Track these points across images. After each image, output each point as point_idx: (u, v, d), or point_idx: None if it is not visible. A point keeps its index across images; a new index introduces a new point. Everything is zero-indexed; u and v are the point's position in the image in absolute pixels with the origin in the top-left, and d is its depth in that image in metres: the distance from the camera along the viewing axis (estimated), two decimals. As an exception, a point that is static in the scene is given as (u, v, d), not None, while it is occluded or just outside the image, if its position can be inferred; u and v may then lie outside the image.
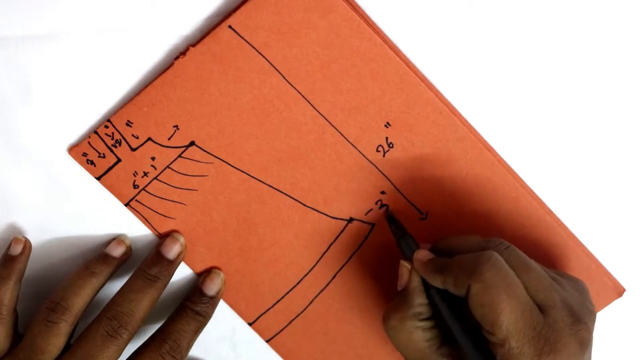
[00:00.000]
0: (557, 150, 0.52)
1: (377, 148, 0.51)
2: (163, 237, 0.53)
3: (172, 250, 0.52)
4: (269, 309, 0.55)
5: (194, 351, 0.56)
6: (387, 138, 0.51)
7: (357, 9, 0.49)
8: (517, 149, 0.52)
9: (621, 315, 0.56)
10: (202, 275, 0.54)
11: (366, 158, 0.52)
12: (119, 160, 0.51)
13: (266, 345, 0.56)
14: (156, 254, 0.52)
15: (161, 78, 0.49)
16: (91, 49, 0.49)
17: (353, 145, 0.51)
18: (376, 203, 0.53)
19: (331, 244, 0.54)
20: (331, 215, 0.53)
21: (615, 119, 0.52)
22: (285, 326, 0.56)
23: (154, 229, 0.53)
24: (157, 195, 0.52)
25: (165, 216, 0.53)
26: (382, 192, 0.52)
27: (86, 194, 0.52)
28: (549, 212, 0.53)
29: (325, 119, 0.51)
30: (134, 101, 0.50)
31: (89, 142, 0.51)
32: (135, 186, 0.52)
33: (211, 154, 0.51)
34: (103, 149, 0.51)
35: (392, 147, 0.51)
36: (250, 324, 0.56)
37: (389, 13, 0.49)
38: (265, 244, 0.54)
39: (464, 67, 0.50)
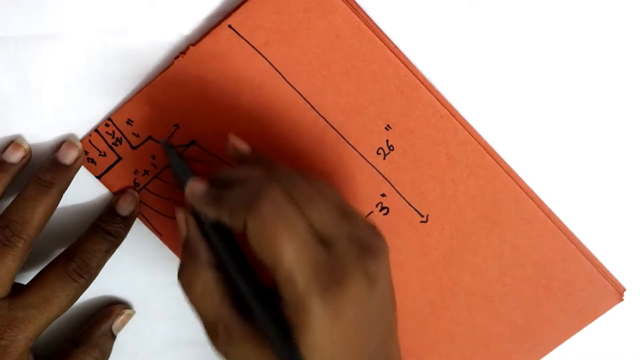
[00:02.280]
0: (559, 152, 0.52)
1: (378, 150, 0.51)
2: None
3: (68, 155, 0.49)
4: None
5: (193, 352, 0.56)
6: (387, 140, 0.51)
7: (357, 10, 0.48)
8: (518, 152, 0.52)
9: (621, 315, 0.56)
10: (116, 195, 0.52)
11: (367, 160, 0.51)
12: (119, 158, 0.51)
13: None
14: (52, 160, 0.49)
15: (161, 77, 0.49)
16: (91, 49, 0.49)
17: (353, 147, 0.51)
18: (376, 205, 0.52)
19: (331, 246, 0.54)
20: (331, 216, 0.53)
21: (615, 120, 0.52)
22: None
23: (154, 228, 0.53)
24: (157, 194, 0.52)
25: (165, 216, 0.53)
26: (383, 195, 0.52)
27: (86, 193, 0.52)
28: (551, 215, 0.53)
29: (326, 120, 0.50)
30: (135, 100, 0.50)
31: (89, 141, 0.51)
32: (135, 184, 0.52)
33: (211, 154, 0.51)
34: (104, 148, 0.51)
35: (393, 149, 0.51)
36: (249, 325, 0.56)
37: (390, 14, 0.49)
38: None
39: (464, 69, 0.50)
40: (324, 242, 0.41)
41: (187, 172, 0.46)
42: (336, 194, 0.45)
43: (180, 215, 0.45)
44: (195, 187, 0.44)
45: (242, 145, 0.47)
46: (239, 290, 0.43)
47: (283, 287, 0.40)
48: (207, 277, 0.43)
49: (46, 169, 0.49)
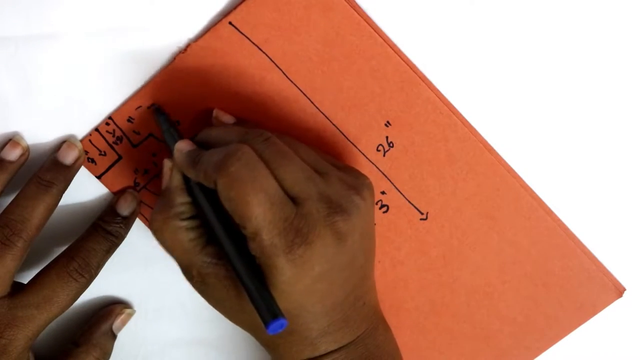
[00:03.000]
0: (558, 150, 0.52)
1: (378, 147, 0.51)
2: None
3: (68, 156, 0.50)
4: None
5: (193, 352, 0.56)
6: (387, 137, 0.51)
7: (356, 8, 0.49)
8: (518, 149, 0.52)
9: (621, 315, 0.56)
10: (117, 195, 0.52)
11: (366, 157, 0.52)
12: (120, 157, 0.51)
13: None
14: (52, 159, 0.49)
15: (162, 74, 0.49)
16: (91, 49, 0.49)
17: (353, 144, 0.51)
18: (376, 203, 0.52)
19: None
20: (331, 214, 0.53)
21: (615, 119, 0.52)
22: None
23: (154, 228, 0.53)
24: (158, 193, 0.52)
25: (165, 215, 0.53)
26: (382, 192, 0.52)
27: (86, 193, 0.52)
28: (549, 212, 0.53)
29: (325, 116, 0.51)
30: (136, 97, 0.50)
31: (90, 140, 0.51)
32: (136, 184, 0.52)
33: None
34: (104, 147, 0.51)
35: (393, 146, 0.51)
36: (250, 324, 0.56)
37: (389, 12, 0.49)
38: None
39: (464, 66, 0.50)
40: (293, 200, 0.43)
41: (174, 135, 0.48)
42: (313, 153, 0.46)
43: (167, 165, 0.47)
44: (179, 147, 0.46)
45: (225, 117, 0.50)
46: (219, 241, 0.45)
47: (251, 243, 0.42)
48: (176, 226, 0.45)
49: (46, 168, 0.49)
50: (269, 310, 0.41)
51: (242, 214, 0.41)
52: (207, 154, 0.44)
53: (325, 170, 0.45)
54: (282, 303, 0.42)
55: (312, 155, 0.46)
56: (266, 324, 0.40)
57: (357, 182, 0.46)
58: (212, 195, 0.44)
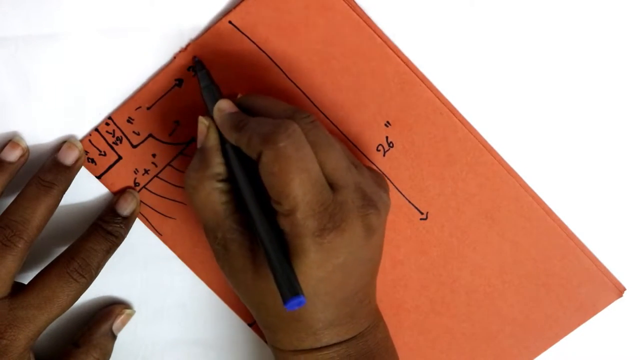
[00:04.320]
0: (558, 150, 0.52)
1: (378, 147, 0.51)
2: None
3: (69, 156, 0.49)
4: (269, 308, 0.55)
5: (193, 352, 0.56)
6: (387, 137, 0.51)
7: (356, 9, 0.49)
8: (517, 149, 0.52)
9: (621, 315, 0.56)
10: (117, 195, 0.52)
11: (366, 157, 0.52)
12: (119, 157, 0.51)
13: (266, 346, 0.56)
14: (52, 160, 0.49)
15: (162, 73, 0.50)
16: (91, 49, 0.49)
17: (353, 143, 0.51)
18: (376, 202, 0.52)
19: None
20: (331, 214, 0.53)
21: (615, 119, 0.52)
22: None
23: (154, 228, 0.53)
24: (157, 193, 0.52)
25: (165, 216, 0.53)
26: (382, 192, 0.52)
27: (86, 193, 0.52)
28: (550, 212, 0.53)
29: (326, 116, 0.51)
30: (135, 98, 0.50)
31: (89, 140, 0.51)
32: (136, 184, 0.52)
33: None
34: (104, 147, 0.51)
35: (393, 146, 0.51)
36: (250, 325, 0.56)
37: (389, 12, 0.49)
38: (266, 243, 0.53)
39: (464, 67, 0.50)
40: (331, 186, 0.43)
41: (215, 93, 0.47)
42: (345, 147, 0.47)
43: (204, 123, 0.46)
44: (223, 107, 0.46)
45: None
46: (247, 207, 0.44)
47: (282, 219, 0.42)
48: (212, 187, 0.45)
49: (47, 169, 0.49)
50: (291, 286, 0.41)
51: (281, 190, 0.41)
52: (254, 122, 0.43)
53: (357, 163, 0.46)
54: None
55: (346, 149, 0.46)
56: (285, 299, 0.41)
57: (381, 181, 0.47)
58: (245, 161, 0.44)
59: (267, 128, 0.42)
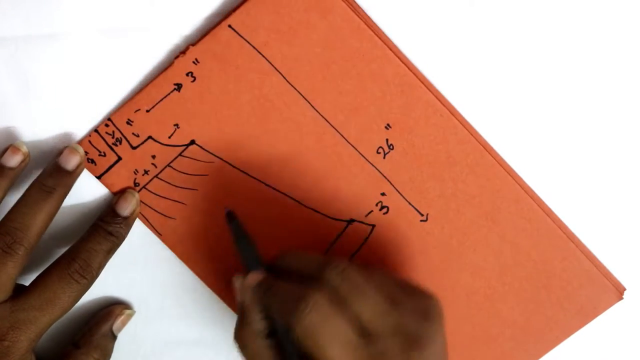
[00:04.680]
0: (558, 151, 0.52)
1: (378, 150, 0.51)
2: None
3: (70, 161, 0.49)
4: (268, 310, 0.55)
5: (193, 352, 0.56)
6: (387, 140, 0.51)
7: (357, 10, 0.48)
8: (518, 151, 0.52)
9: (621, 315, 0.56)
10: (117, 196, 0.52)
11: (366, 159, 0.51)
12: (119, 158, 0.51)
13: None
14: (54, 165, 0.49)
15: (161, 77, 0.49)
16: (91, 49, 0.49)
17: (353, 146, 0.51)
18: (376, 205, 0.52)
19: (331, 245, 0.54)
20: (331, 216, 0.53)
21: (615, 119, 0.52)
22: None
23: (154, 228, 0.53)
24: (157, 193, 0.52)
25: (165, 216, 0.53)
26: (383, 194, 0.52)
27: (86, 193, 0.52)
28: (550, 214, 0.53)
29: (326, 119, 0.51)
30: (134, 100, 0.50)
31: (89, 141, 0.51)
32: (135, 184, 0.52)
33: (211, 153, 0.51)
34: (104, 148, 0.51)
35: (393, 148, 0.51)
36: (250, 324, 0.56)
37: (389, 14, 0.49)
38: (266, 244, 0.53)
39: (464, 68, 0.50)
40: (370, 335, 0.43)
41: (249, 244, 0.49)
42: (388, 280, 0.47)
43: (238, 282, 0.48)
44: (249, 282, 0.48)
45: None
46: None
47: None
48: (259, 344, 0.46)
49: (48, 174, 0.49)
50: None
51: (314, 357, 0.43)
52: (279, 292, 0.45)
53: (399, 299, 0.46)
54: None
55: (385, 283, 0.46)
56: None
57: (425, 304, 0.46)
58: None
59: (290, 303, 0.44)
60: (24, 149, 0.49)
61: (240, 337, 0.47)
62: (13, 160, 0.49)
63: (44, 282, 0.48)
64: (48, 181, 0.48)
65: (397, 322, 0.44)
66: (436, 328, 0.46)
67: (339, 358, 0.42)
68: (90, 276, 0.49)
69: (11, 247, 0.47)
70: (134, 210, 0.52)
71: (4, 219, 0.48)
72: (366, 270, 0.47)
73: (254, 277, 0.48)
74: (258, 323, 0.46)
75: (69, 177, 0.49)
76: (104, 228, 0.50)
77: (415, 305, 0.46)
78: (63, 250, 0.51)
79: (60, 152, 0.50)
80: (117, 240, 0.51)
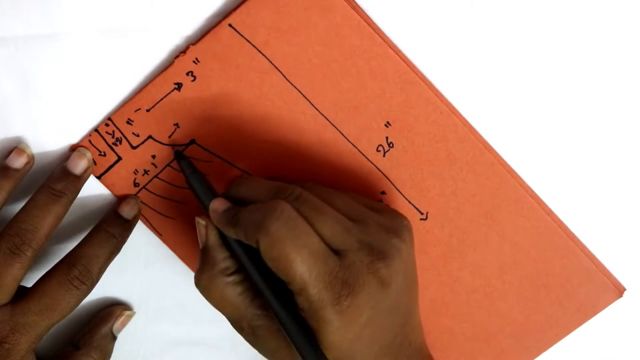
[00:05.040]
0: (558, 150, 0.52)
1: (377, 148, 0.51)
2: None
3: (78, 166, 0.50)
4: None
5: (193, 352, 0.56)
6: (387, 138, 0.51)
7: (357, 9, 0.48)
8: (518, 149, 0.52)
9: (621, 315, 0.56)
10: (119, 199, 0.52)
11: (366, 158, 0.51)
12: (119, 158, 0.51)
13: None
14: (62, 169, 0.49)
15: (161, 76, 0.49)
16: (91, 49, 0.49)
17: (353, 144, 0.51)
18: (376, 203, 0.53)
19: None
20: (331, 214, 0.53)
21: (615, 119, 0.52)
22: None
23: (154, 228, 0.53)
24: (157, 193, 0.52)
25: (165, 216, 0.53)
26: (382, 192, 0.52)
27: (86, 193, 0.52)
28: (550, 213, 0.53)
29: (326, 118, 0.51)
30: (135, 100, 0.50)
31: (89, 141, 0.51)
32: (135, 184, 0.52)
33: (212, 153, 0.51)
34: (104, 147, 0.51)
35: (392, 147, 0.51)
36: (250, 324, 0.56)
37: (390, 12, 0.49)
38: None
39: (464, 66, 0.50)
40: (335, 251, 0.43)
41: (207, 191, 0.48)
42: (347, 199, 0.47)
43: (201, 224, 0.47)
44: (216, 207, 0.47)
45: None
46: (262, 302, 0.46)
47: (298, 297, 0.43)
48: (223, 284, 0.46)
49: (57, 178, 0.49)
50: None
51: (286, 273, 0.42)
52: (245, 212, 0.44)
53: (362, 216, 0.46)
54: (333, 352, 0.43)
55: (347, 203, 0.47)
56: None
57: (395, 224, 0.47)
58: (251, 249, 0.45)
59: (258, 215, 0.43)
60: (29, 151, 0.50)
61: (205, 279, 0.46)
62: (18, 162, 0.49)
63: (44, 288, 0.48)
64: (57, 185, 0.49)
65: (361, 238, 0.44)
66: (403, 245, 0.46)
67: (306, 273, 0.42)
68: (90, 282, 0.49)
69: (20, 248, 0.47)
70: (135, 215, 0.52)
71: (12, 220, 0.48)
72: (327, 192, 0.47)
73: (220, 203, 0.47)
74: (222, 262, 0.46)
75: (77, 182, 0.50)
76: (106, 230, 0.50)
77: (382, 222, 0.46)
78: (61, 249, 0.51)
79: (67, 156, 0.50)
80: (118, 243, 0.51)
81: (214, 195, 0.48)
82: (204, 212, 0.47)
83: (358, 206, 0.47)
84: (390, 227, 0.46)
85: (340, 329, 0.43)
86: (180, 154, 0.50)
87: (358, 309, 0.43)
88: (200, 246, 0.47)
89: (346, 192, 0.48)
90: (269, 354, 0.47)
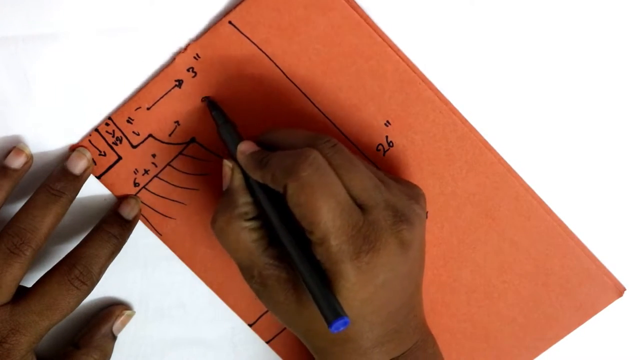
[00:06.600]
0: (557, 149, 0.52)
1: (377, 147, 0.51)
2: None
3: (78, 165, 0.50)
4: (269, 309, 0.55)
5: (193, 352, 0.56)
6: (387, 137, 0.51)
7: (356, 8, 0.49)
8: (517, 148, 0.52)
9: (621, 315, 0.56)
10: (119, 199, 0.52)
11: (366, 157, 0.52)
12: (119, 158, 0.51)
13: (266, 346, 0.56)
14: (62, 169, 0.50)
15: (162, 73, 0.50)
16: (91, 49, 0.49)
17: (353, 143, 0.51)
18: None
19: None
20: (331, 214, 0.53)
21: (615, 119, 0.52)
22: (286, 327, 0.55)
23: (154, 228, 0.53)
24: (157, 193, 0.52)
25: (165, 216, 0.53)
26: (382, 191, 0.52)
27: (86, 193, 0.52)
28: (549, 212, 0.53)
29: (325, 116, 0.51)
30: (135, 98, 0.50)
31: (89, 140, 0.51)
32: (135, 184, 0.52)
33: (212, 152, 0.51)
34: (104, 147, 0.51)
35: (392, 146, 0.51)
36: (250, 325, 0.56)
37: (389, 12, 0.49)
38: (266, 243, 0.54)
39: (463, 66, 0.50)
40: (360, 207, 0.43)
41: (232, 133, 0.48)
42: (370, 165, 0.47)
43: (228, 165, 0.47)
44: (244, 148, 0.46)
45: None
46: (280, 240, 0.45)
47: (317, 247, 0.42)
48: (241, 227, 0.45)
49: (56, 178, 0.49)
50: (333, 309, 0.41)
51: (311, 220, 0.41)
52: (276, 156, 0.44)
53: (385, 180, 0.46)
54: (344, 309, 0.42)
55: (370, 167, 0.46)
56: (329, 322, 0.41)
57: (413, 192, 0.47)
58: (274, 196, 0.45)
59: (289, 160, 0.42)
60: (28, 151, 0.50)
61: (222, 221, 0.45)
62: (17, 162, 0.49)
63: (44, 288, 0.48)
64: (56, 185, 0.49)
65: (387, 197, 0.44)
66: (422, 212, 0.46)
67: (330, 222, 0.41)
68: (90, 282, 0.49)
69: (19, 248, 0.47)
70: (135, 215, 0.52)
71: (12, 220, 0.48)
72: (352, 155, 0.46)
73: (248, 145, 0.46)
74: (243, 206, 0.46)
75: (76, 181, 0.50)
76: (106, 230, 0.50)
77: (403, 189, 0.46)
78: (61, 249, 0.51)
79: (67, 156, 0.50)
80: (118, 243, 0.51)
81: (239, 140, 0.47)
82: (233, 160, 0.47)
83: (380, 173, 0.47)
84: (410, 194, 0.46)
85: (355, 285, 0.42)
86: (213, 102, 0.49)
87: (376, 269, 0.42)
88: (224, 187, 0.47)
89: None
90: (272, 305, 0.46)
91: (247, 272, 0.46)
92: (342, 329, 0.41)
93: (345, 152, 0.44)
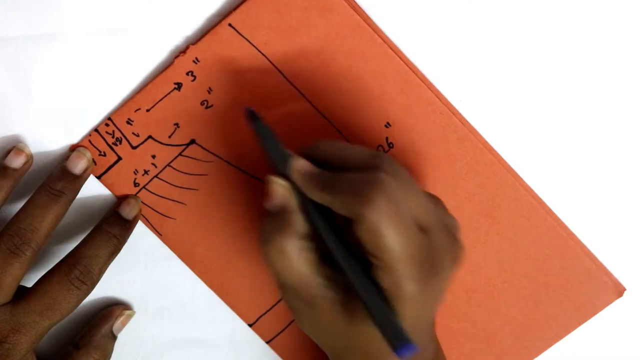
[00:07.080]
0: (558, 150, 0.52)
1: (377, 148, 0.51)
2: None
3: (78, 165, 0.50)
4: (269, 309, 0.55)
5: (193, 352, 0.56)
6: (387, 138, 0.51)
7: (357, 9, 0.49)
8: (518, 149, 0.52)
9: (621, 315, 0.56)
10: (120, 199, 0.52)
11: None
12: (119, 158, 0.51)
13: (266, 346, 0.56)
14: (62, 169, 0.50)
15: (161, 76, 0.50)
16: (91, 49, 0.49)
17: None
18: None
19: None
20: (332, 214, 0.53)
21: (615, 119, 0.52)
22: (286, 327, 0.55)
23: (154, 228, 0.53)
24: (157, 194, 0.52)
25: (165, 216, 0.53)
26: (383, 192, 0.52)
27: (86, 193, 0.52)
28: (550, 212, 0.53)
29: (326, 118, 0.51)
30: (135, 99, 0.50)
31: (89, 141, 0.51)
32: (135, 184, 0.52)
33: (212, 153, 0.51)
34: (104, 147, 0.51)
35: (393, 147, 0.51)
36: (250, 325, 0.56)
37: (389, 13, 0.49)
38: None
39: (463, 67, 0.50)
40: (422, 229, 0.42)
41: (280, 148, 0.45)
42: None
43: (280, 184, 0.44)
44: (301, 167, 0.44)
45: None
46: (332, 259, 0.43)
47: (380, 271, 0.41)
48: (299, 248, 0.43)
49: (56, 178, 0.49)
50: (400, 334, 0.40)
51: (380, 246, 0.40)
52: (345, 181, 0.42)
53: (436, 198, 0.46)
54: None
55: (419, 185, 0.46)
56: (396, 347, 0.40)
57: (439, 202, 0.47)
58: (325, 214, 0.43)
59: (362, 186, 0.41)
60: (28, 150, 0.50)
61: (278, 241, 0.43)
62: (17, 162, 0.49)
63: (44, 288, 0.48)
64: (56, 185, 0.49)
65: (442, 217, 0.44)
66: (454, 220, 0.47)
67: (401, 245, 0.40)
68: (90, 282, 0.49)
69: (20, 248, 0.47)
70: (136, 215, 0.52)
71: (12, 220, 0.48)
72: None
73: (304, 164, 0.44)
74: (301, 227, 0.44)
75: (77, 181, 0.50)
76: (107, 230, 0.50)
77: (442, 204, 0.46)
78: (61, 249, 0.51)
79: (67, 156, 0.50)
80: (119, 243, 0.51)
81: (289, 155, 0.44)
82: (273, 172, 0.45)
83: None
84: (444, 208, 0.46)
85: (420, 311, 0.42)
86: (253, 113, 0.46)
87: (435, 289, 0.42)
88: (271, 207, 0.44)
89: None
90: (313, 324, 0.45)
91: (294, 292, 0.44)
92: (407, 354, 0.40)
93: (403, 171, 0.43)
